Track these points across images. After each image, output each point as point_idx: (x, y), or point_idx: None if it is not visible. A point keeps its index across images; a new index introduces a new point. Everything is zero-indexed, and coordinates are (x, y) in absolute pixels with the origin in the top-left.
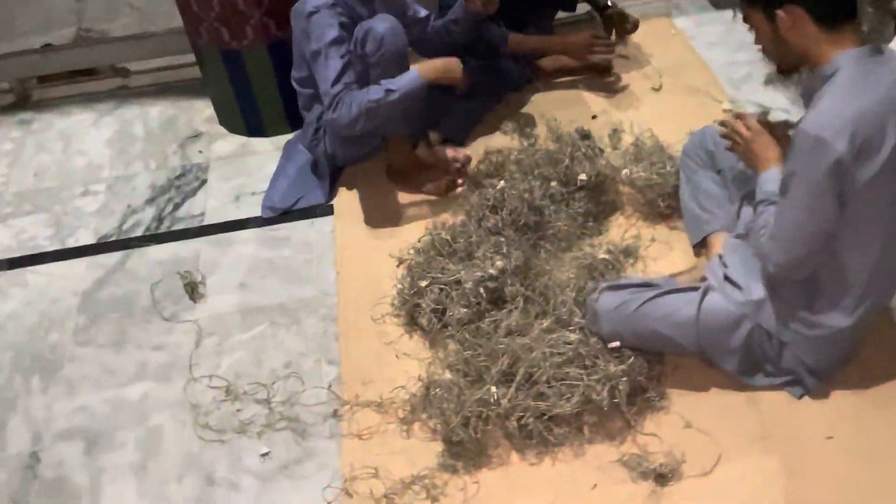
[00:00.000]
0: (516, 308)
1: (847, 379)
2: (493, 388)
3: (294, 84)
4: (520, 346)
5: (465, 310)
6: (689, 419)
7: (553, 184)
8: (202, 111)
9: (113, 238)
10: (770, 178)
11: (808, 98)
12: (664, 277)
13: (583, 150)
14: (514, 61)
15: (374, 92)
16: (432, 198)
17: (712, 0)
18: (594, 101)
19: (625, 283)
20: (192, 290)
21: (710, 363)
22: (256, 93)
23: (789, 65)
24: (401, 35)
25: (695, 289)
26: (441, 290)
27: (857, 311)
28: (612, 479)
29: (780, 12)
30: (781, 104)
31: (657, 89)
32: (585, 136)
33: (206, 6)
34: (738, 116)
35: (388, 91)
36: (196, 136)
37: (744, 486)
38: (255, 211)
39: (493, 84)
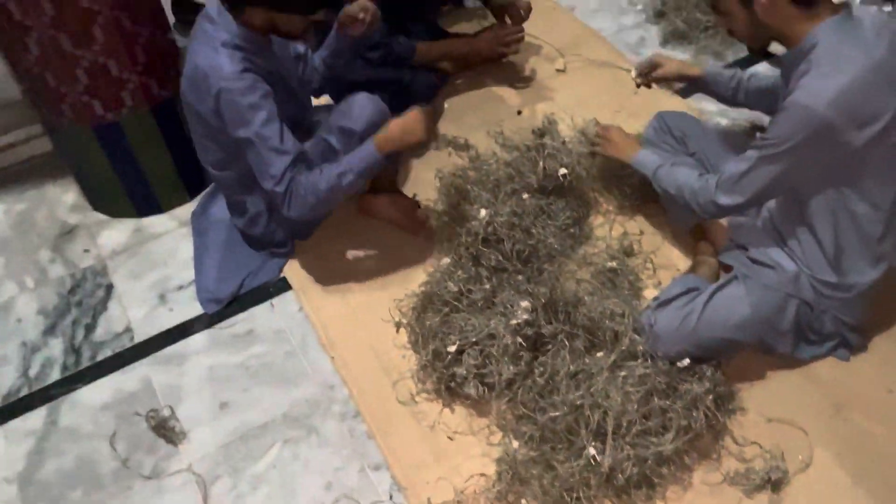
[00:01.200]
0: (564, 348)
1: (877, 325)
2: (592, 451)
3: (209, 168)
4: (597, 394)
5: (512, 368)
6: (767, 412)
7: (525, 196)
8: (61, 198)
9: (24, 392)
10: (646, 156)
11: (787, 73)
12: (689, 276)
13: (548, 149)
14: (420, 72)
15: (327, 178)
16: (399, 239)
17: None
18: (507, 94)
19: (668, 296)
20: (167, 431)
21: (767, 351)
22: (144, 165)
23: (762, 44)
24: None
25: (732, 280)
26: (473, 348)
27: (882, 260)
28: (727, 502)
29: None
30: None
31: (562, 70)
32: (542, 133)
33: (70, 80)
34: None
35: (341, 175)
36: (69, 231)
37: (847, 463)
38: (194, 309)
39: (407, 103)
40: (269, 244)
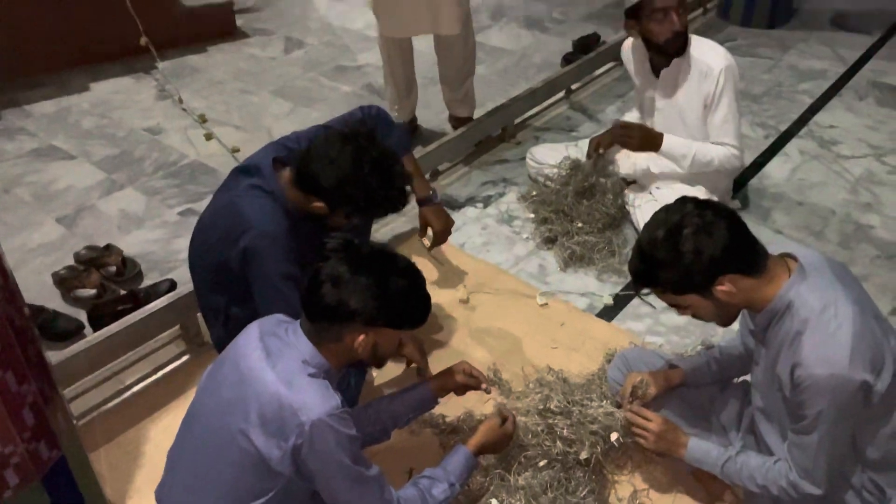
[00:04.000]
0: None
1: None
2: None
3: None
4: None
5: None
6: None
7: (542, 464)
8: None
9: None
10: (700, 450)
11: (760, 335)
12: None
13: (558, 430)
14: None
15: (441, 491)
16: None
17: None
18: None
19: None
20: None
21: None
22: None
23: (731, 318)
24: None
25: None
26: None
27: None
28: None
29: (719, 287)
30: (593, 286)
31: (466, 301)
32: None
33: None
34: (636, 412)
35: (451, 485)
36: None
37: None
38: None
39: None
40: None
